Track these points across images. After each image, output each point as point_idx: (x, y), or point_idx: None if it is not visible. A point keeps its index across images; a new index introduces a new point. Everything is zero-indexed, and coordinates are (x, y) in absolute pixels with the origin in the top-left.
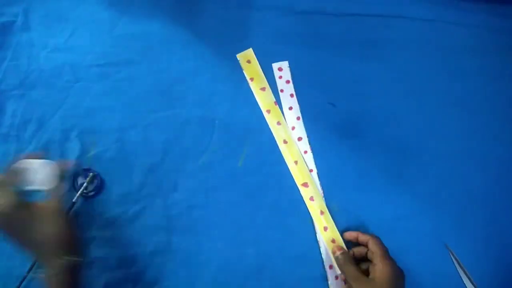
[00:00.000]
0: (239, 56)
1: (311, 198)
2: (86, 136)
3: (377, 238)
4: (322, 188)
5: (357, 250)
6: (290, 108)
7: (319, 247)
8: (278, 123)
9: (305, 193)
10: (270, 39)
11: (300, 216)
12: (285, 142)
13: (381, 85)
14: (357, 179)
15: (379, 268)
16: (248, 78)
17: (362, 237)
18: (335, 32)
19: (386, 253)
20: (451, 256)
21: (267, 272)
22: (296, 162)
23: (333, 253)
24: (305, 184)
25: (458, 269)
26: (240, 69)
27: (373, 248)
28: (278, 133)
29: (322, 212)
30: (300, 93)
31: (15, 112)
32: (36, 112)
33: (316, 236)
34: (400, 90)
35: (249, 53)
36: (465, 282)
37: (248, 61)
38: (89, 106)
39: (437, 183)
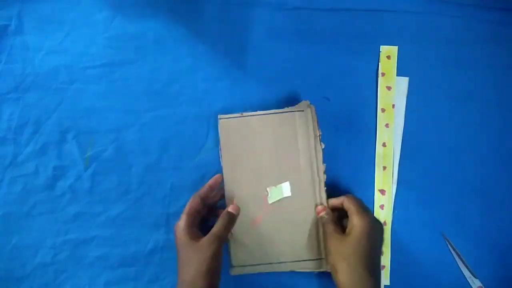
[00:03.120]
0: (382, 47)
1: (381, 207)
2: (83, 137)
3: (350, 196)
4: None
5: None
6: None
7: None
8: (387, 125)
9: (378, 199)
10: (264, 36)
11: None
12: (384, 145)
13: (375, 78)
14: (354, 172)
15: (353, 223)
16: (380, 72)
17: (336, 201)
18: (328, 27)
19: (360, 208)
20: (449, 245)
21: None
22: (384, 168)
23: (318, 213)
24: (382, 191)
25: (455, 258)
26: (235, 67)
27: (347, 206)
28: (381, 135)
29: None
30: (295, 88)
31: (11, 115)
32: (33, 115)
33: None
34: None
35: (393, 50)
36: (462, 270)
37: (388, 57)
38: (85, 107)
39: (434, 174)
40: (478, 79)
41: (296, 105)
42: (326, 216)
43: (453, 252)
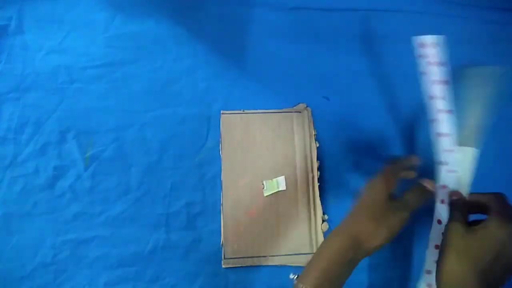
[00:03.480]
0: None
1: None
2: (83, 137)
3: (500, 196)
4: (318, 182)
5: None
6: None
7: None
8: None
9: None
10: (264, 35)
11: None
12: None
13: (374, 78)
14: (353, 173)
15: (489, 223)
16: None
17: (481, 197)
18: (328, 27)
19: (506, 212)
20: None
21: (266, 266)
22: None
23: (450, 196)
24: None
25: None
26: (234, 66)
27: (491, 204)
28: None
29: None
30: (294, 88)
31: (11, 115)
32: (33, 115)
33: None
34: (393, 82)
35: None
36: None
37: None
38: (85, 107)
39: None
40: None
41: (294, 107)
42: (456, 202)
43: None
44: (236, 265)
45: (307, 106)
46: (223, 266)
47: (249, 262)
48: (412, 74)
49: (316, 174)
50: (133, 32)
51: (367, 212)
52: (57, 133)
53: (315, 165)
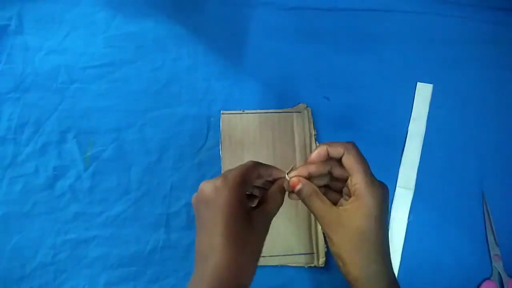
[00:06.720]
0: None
1: None
2: (83, 137)
3: (352, 148)
4: None
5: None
6: None
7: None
8: None
9: None
10: (264, 35)
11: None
12: None
13: (375, 78)
14: None
15: (360, 194)
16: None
17: (335, 150)
18: (328, 27)
19: (368, 173)
20: (484, 205)
21: (266, 266)
22: None
23: (293, 186)
24: None
25: (485, 220)
26: (234, 66)
27: (349, 165)
28: None
29: None
30: (295, 88)
31: (11, 115)
32: (33, 115)
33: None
34: (393, 82)
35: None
36: (488, 235)
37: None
38: (85, 107)
39: (432, 173)
40: (477, 79)
41: (294, 107)
42: (305, 188)
43: (486, 213)
44: None
45: (307, 106)
46: None
47: None
48: (411, 74)
49: None
50: (133, 32)
51: (220, 238)
52: (57, 133)
53: None
